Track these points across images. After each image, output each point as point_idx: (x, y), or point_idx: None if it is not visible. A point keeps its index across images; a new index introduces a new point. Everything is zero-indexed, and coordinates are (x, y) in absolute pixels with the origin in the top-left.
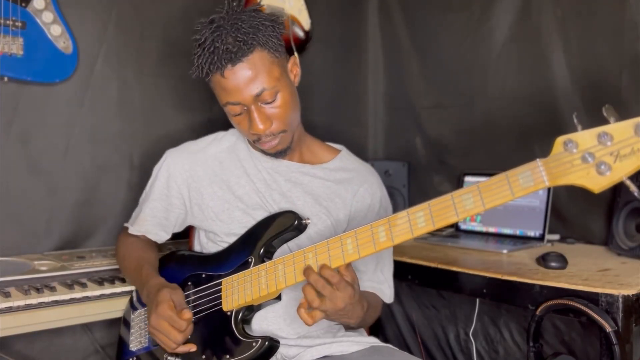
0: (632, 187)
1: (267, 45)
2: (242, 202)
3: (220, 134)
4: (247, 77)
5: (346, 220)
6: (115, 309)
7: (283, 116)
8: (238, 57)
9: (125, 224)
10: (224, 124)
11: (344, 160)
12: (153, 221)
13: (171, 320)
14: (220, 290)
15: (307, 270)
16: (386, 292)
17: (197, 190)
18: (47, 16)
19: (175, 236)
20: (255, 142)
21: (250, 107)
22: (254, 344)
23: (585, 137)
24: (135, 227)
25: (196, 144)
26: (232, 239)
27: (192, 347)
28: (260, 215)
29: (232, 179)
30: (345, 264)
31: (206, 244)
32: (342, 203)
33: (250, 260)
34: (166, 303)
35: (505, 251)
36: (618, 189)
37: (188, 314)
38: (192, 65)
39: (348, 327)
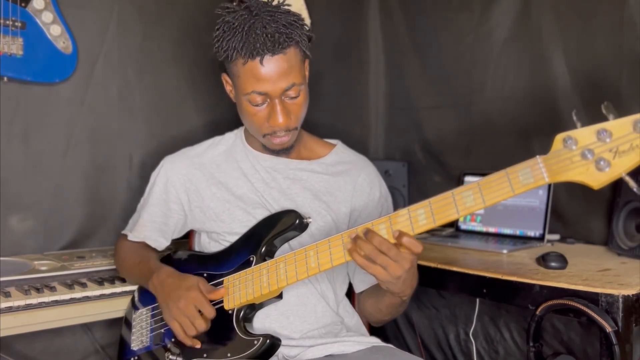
0: (632, 183)
1: (301, 44)
2: (242, 201)
3: (217, 139)
4: (283, 70)
5: (348, 212)
6: (116, 309)
7: (300, 113)
8: (279, 48)
9: (123, 232)
10: (226, 125)
11: (340, 154)
12: (152, 227)
13: (201, 304)
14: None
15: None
16: None
17: (196, 193)
18: (47, 16)
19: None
20: (265, 136)
21: (274, 100)
22: (255, 342)
23: (584, 134)
24: (135, 234)
25: (193, 149)
26: (234, 238)
27: (197, 344)
28: (261, 214)
29: (231, 181)
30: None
31: (208, 244)
32: (342, 196)
33: (251, 259)
34: (196, 288)
35: (505, 251)
36: (618, 189)
37: (218, 295)
38: (216, 45)
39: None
